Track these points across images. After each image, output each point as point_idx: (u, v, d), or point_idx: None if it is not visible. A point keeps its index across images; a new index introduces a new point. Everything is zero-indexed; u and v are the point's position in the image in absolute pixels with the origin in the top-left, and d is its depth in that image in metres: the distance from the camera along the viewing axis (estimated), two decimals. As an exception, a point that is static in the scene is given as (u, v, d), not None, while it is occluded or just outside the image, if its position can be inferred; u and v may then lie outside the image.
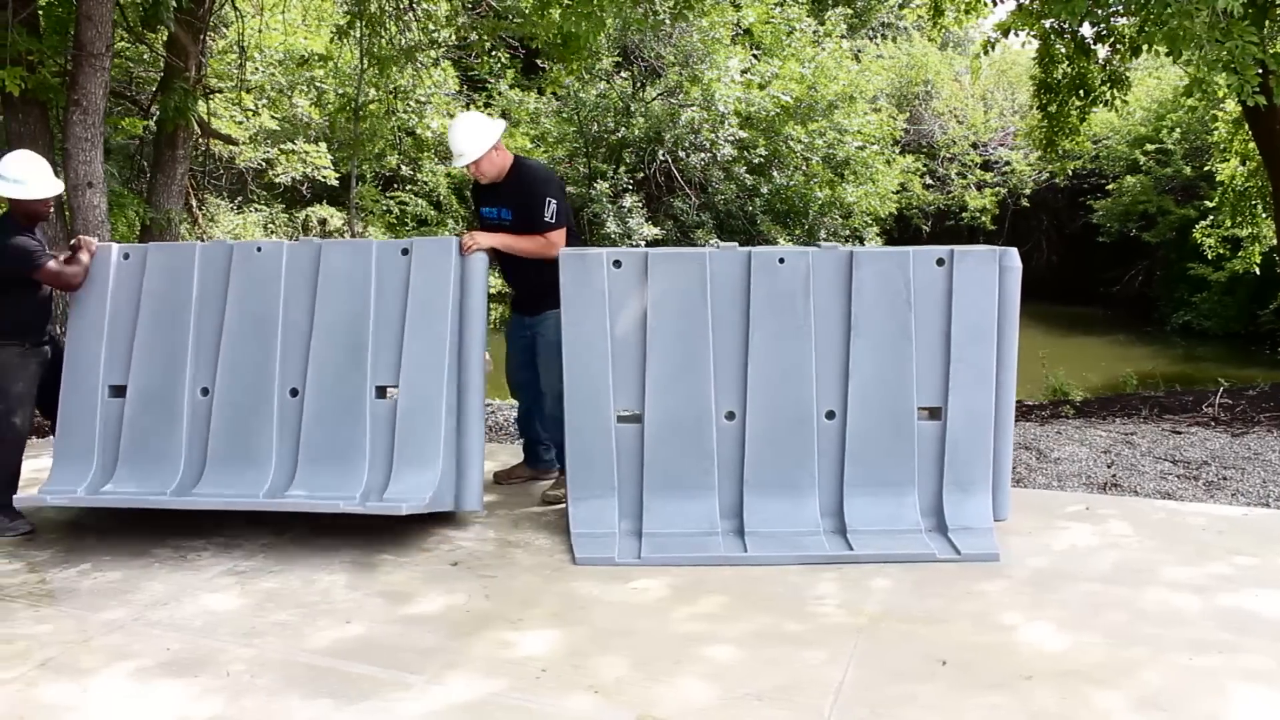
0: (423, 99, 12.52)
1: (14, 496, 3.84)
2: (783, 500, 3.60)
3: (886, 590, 3.24)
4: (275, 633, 2.98)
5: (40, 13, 7.22)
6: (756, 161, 13.73)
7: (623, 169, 13.89)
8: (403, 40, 8.29)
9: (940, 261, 3.59)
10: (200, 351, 3.91)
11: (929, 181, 16.62)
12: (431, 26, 7.98)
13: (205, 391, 3.90)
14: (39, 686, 2.69)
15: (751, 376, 3.57)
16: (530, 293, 4.04)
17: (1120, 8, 4.65)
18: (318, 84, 11.22)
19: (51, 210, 3.92)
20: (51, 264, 3.84)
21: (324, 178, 13.01)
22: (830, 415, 3.62)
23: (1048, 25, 7.58)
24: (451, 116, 14.69)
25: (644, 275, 3.55)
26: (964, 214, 16.59)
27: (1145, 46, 6.67)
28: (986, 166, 17.00)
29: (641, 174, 13.97)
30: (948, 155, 16.98)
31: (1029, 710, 2.52)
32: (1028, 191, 16.41)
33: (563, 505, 4.02)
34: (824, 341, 3.58)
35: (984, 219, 16.41)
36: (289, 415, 3.82)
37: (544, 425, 4.21)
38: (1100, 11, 4.63)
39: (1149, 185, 14.05)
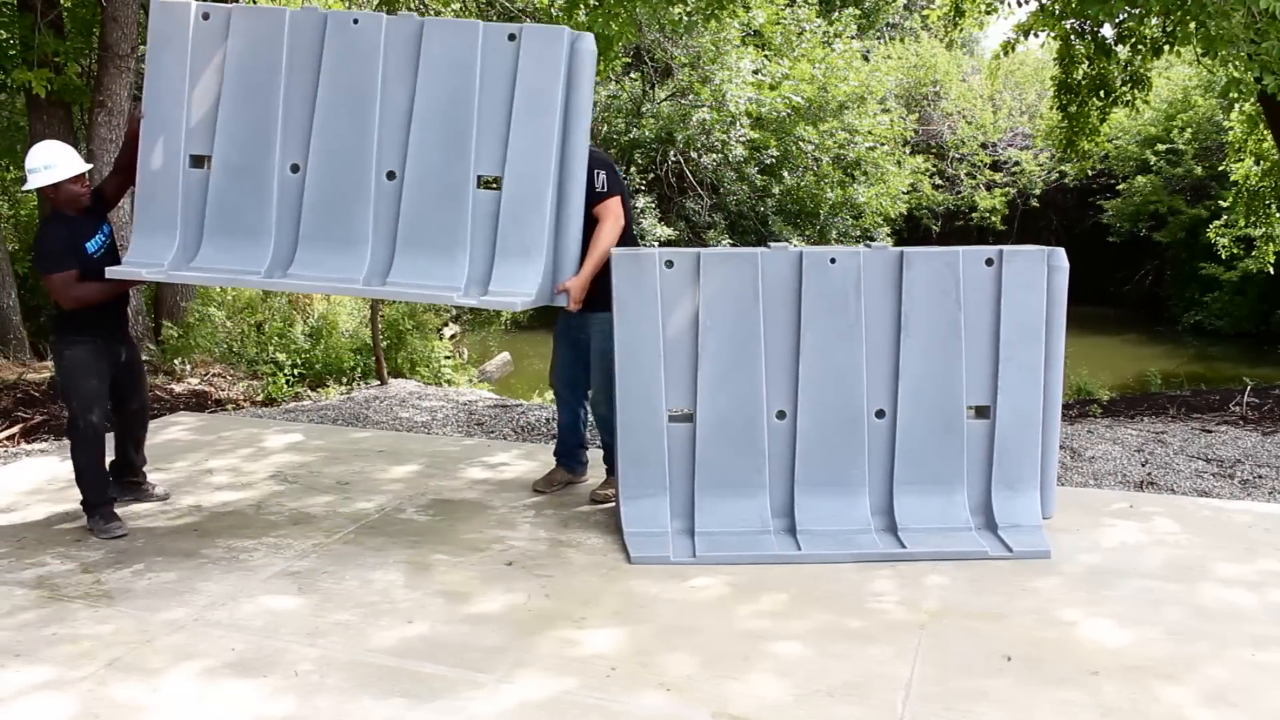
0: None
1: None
2: (833, 499, 3.61)
3: (943, 587, 3.26)
4: (338, 633, 2.99)
5: (64, 15, 7.23)
6: (768, 162, 13.74)
7: (634, 170, 13.91)
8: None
9: (989, 261, 3.61)
10: (290, 125, 3.65)
11: (938, 182, 16.65)
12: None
13: (295, 168, 3.65)
14: (109, 686, 2.70)
15: (803, 375, 3.59)
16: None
17: (1155, 6, 4.65)
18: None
19: (86, 192, 3.78)
20: (59, 276, 3.68)
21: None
22: (880, 414, 3.63)
23: (1068, 26, 7.62)
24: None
25: (696, 275, 3.56)
26: (973, 214, 16.62)
27: (1168, 46, 6.71)
28: (996, 167, 17.04)
29: (653, 174, 13.98)
30: (956, 155, 17.01)
31: (1100, 705, 2.54)
32: (1037, 191, 16.45)
33: (610, 504, 4.04)
34: (874, 341, 3.60)
35: (994, 219, 16.44)
36: (386, 199, 3.60)
37: (599, 427, 4.22)
38: (1135, 10, 4.63)
39: (1159, 185, 14.09)
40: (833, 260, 3.57)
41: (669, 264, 3.57)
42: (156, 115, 3.70)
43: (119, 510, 3.96)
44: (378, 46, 3.62)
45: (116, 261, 3.83)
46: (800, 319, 3.57)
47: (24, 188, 3.90)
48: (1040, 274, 3.62)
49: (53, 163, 3.70)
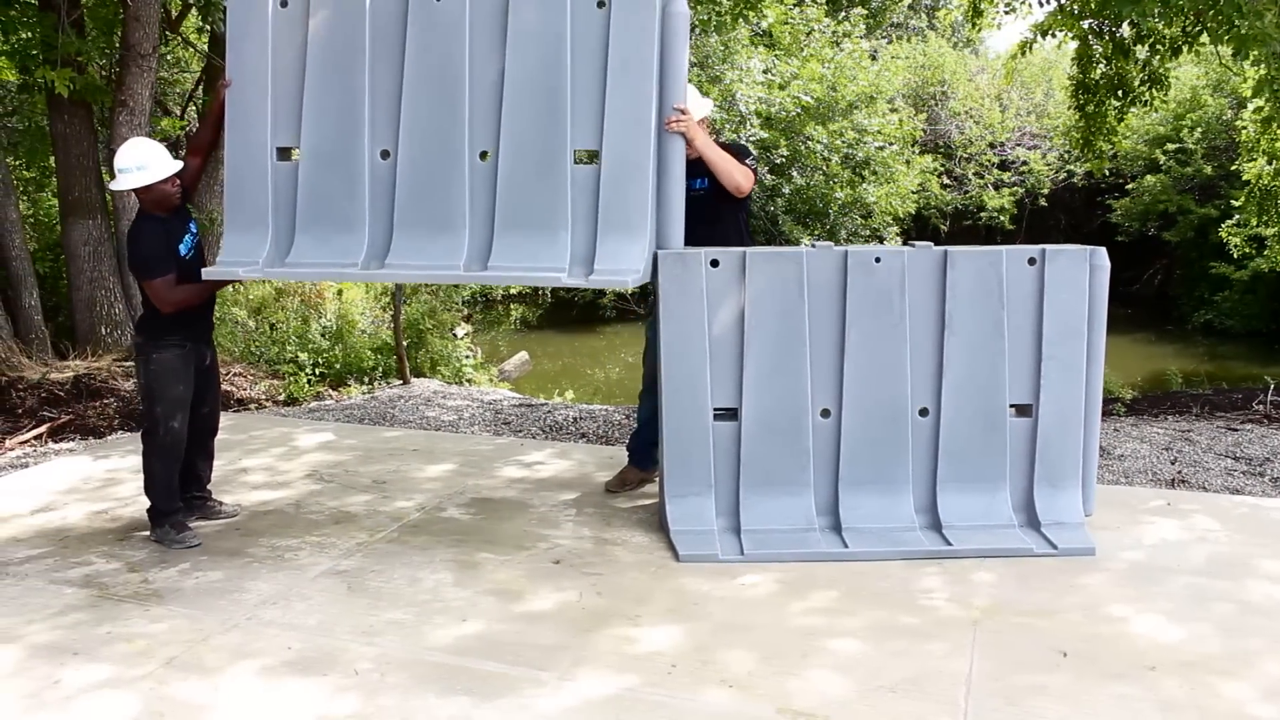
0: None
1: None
2: (877, 496, 3.63)
3: (991, 584, 3.27)
4: (394, 631, 3.00)
5: (85, 14, 7.22)
6: (778, 162, 13.74)
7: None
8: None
9: (1032, 260, 3.63)
10: (377, 110, 3.58)
11: (946, 181, 16.67)
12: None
13: (386, 154, 3.59)
14: (170, 685, 2.71)
15: (847, 374, 3.60)
16: None
17: (1186, 5, 4.66)
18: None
19: (178, 191, 3.67)
20: (160, 281, 3.61)
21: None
22: (924, 412, 3.65)
23: (1086, 26, 7.64)
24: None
25: (741, 275, 3.57)
26: (981, 214, 16.65)
27: (1187, 46, 6.74)
28: (1004, 166, 17.07)
29: (662, 174, 13.95)
30: (965, 155, 17.03)
31: (1160, 700, 2.55)
32: (1045, 191, 16.49)
33: (643, 501, 4.06)
34: (918, 339, 3.61)
35: (1002, 218, 16.47)
36: (481, 180, 3.52)
37: None
38: (1167, 9, 4.66)
39: (1168, 184, 14.13)
40: (877, 259, 3.58)
41: (714, 263, 3.58)
42: (240, 108, 3.63)
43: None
44: (463, 21, 3.53)
45: (203, 262, 3.78)
46: (845, 318, 3.58)
47: (113, 186, 3.69)
48: (1082, 273, 3.63)
49: (145, 163, 3.56)
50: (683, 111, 3.51)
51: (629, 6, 3.47)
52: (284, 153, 3.68)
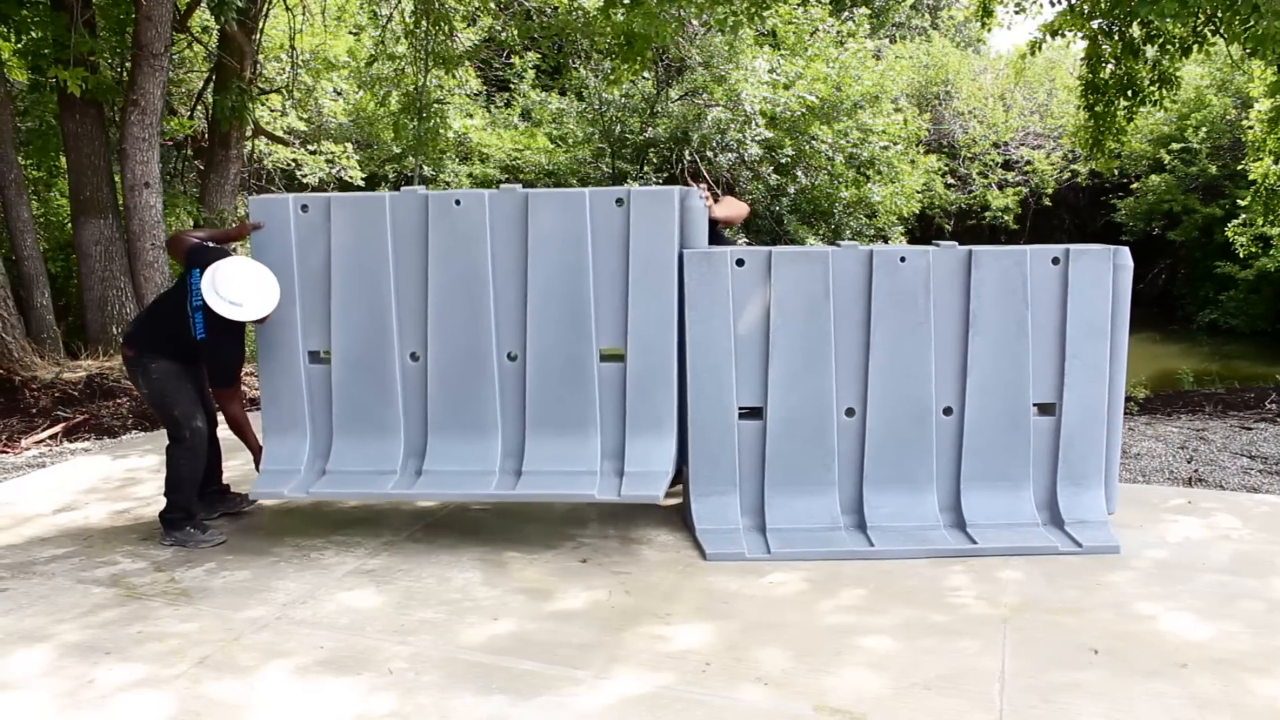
0: (443, 99, 12.54)
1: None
2: (901, 495, 3.64)
3: (1019, 582, 3.29)
4: (426, 630, 3.00)
5: (97, 13, 7.22)
6: (783, 161, 13.76)
7: (649, 169, 13.91)
8: (449, 40, 8.33)
9: (1055, 260, 3.64)
10: (404, 313, 3.66)
11: (950, 181, 16.69)
12: (499, 27, 8.01)
13: (415, 357, 3.67)
14: (204, 684, 2.71)
15: (872, 373, 3.61)
16: None
17: (1205, 6, 4.68)
18: (383, 83, 11.15)
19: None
20: (234, 391, 3.72)
21: (350, 178, 13.02)
22: (948, 411, 3.66)
23: (1096, 26, 7.66)
24: (471, 116, 14.74)
25: (767, 274, 3.58)
26: (986, 213, 16.68)
27: (1197, 46, 6.76)
28: (1008, 166, 17.10)
29: (668, 174, 13.99)
30: (969, 155, 17.06)
31: (1195, 698, 2.57)
32: (1049, 190, 16.52)
33: (666, 500, 4.06)
34: (943, 339, 3.62)
35: (1006, 218, 16.50)
36: (510, 382, 3.62)
37: None
38: (1185, 10, 4.68)
39: (1173, 184, 14.16)
40: (902, 259, 3.59)
41: (740, 263, 3.59)
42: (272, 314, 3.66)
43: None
44: (484, 224, 3.60)
45: None
46: (870, 317, 3.60)
47: (204, 295, 3.53)
48: (1106, 272, 3.65)
49: (242, 300, 3.52)
50: (706, 198, 3.70)
51: (648, 203, 3.55)
52: (315, 355, 3.75)
